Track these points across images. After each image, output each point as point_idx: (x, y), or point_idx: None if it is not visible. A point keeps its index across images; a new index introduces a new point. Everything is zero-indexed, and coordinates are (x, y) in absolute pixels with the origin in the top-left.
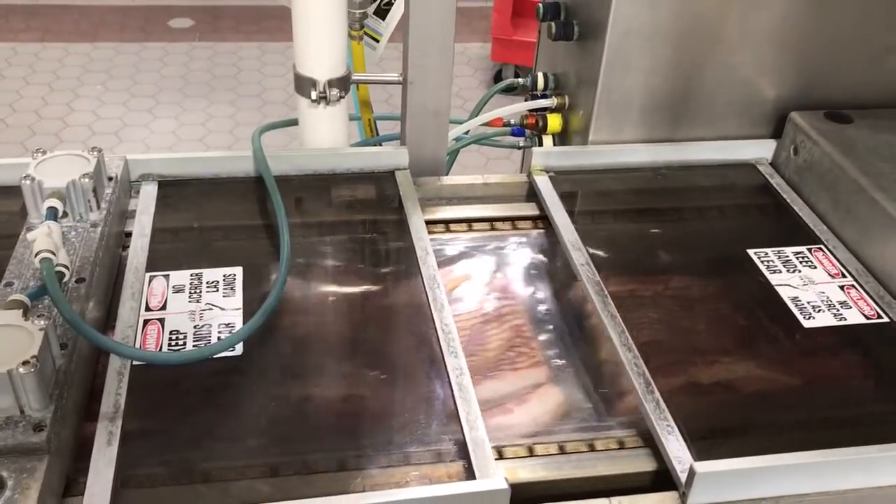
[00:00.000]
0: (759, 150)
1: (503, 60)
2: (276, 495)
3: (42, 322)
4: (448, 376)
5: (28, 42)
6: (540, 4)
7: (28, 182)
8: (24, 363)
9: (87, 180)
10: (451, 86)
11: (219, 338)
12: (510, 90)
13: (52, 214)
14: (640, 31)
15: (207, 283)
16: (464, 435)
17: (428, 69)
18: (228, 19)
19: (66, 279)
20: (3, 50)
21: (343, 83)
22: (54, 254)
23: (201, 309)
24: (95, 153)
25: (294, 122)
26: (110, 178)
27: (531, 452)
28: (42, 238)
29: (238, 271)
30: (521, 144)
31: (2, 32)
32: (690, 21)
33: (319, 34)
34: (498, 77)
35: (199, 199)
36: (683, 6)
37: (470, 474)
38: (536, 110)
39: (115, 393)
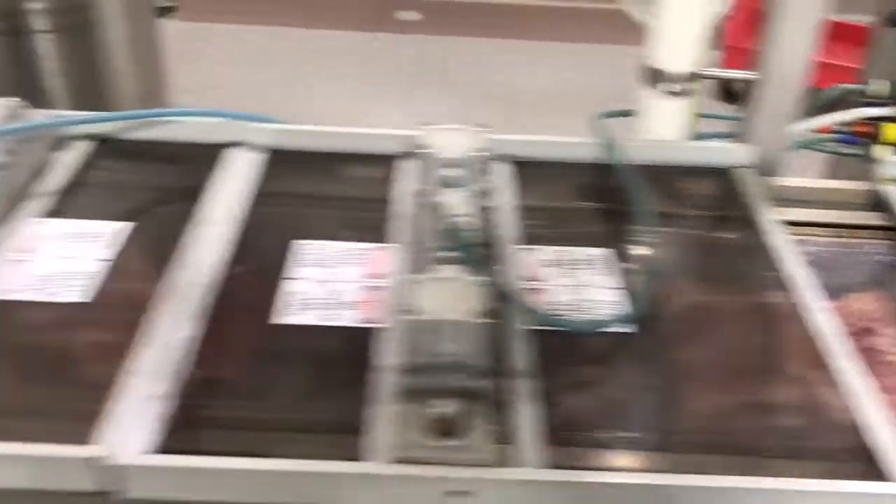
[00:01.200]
0: None
1: (734, 68)
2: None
3: (482, 278)
4: (838, 379)
5: (264, 25)
6: None
7: (425, 151)
8: (471, 313)
9: (477, 154)
10: (805, 89)
11: (599, 313)
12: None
13: (451, 183)
14: None
15: (575, 260)
16: (864, 439)
17: (785, 69)
18: (454, 16)
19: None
20: (240, 32)
21: (695, 78)
22: (467, 219)
23: (576, 284)
24: (477, 129)
25: (628, 113)
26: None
27: None
28: (457, 204)
29: (601, 252)
30: (845, 151)
31: (246, 15)
32: None
33: (686, 27)
34: (727, 87)
35: (550, 180)
36: None
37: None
38: (873, 119)
39: (525, 352)
